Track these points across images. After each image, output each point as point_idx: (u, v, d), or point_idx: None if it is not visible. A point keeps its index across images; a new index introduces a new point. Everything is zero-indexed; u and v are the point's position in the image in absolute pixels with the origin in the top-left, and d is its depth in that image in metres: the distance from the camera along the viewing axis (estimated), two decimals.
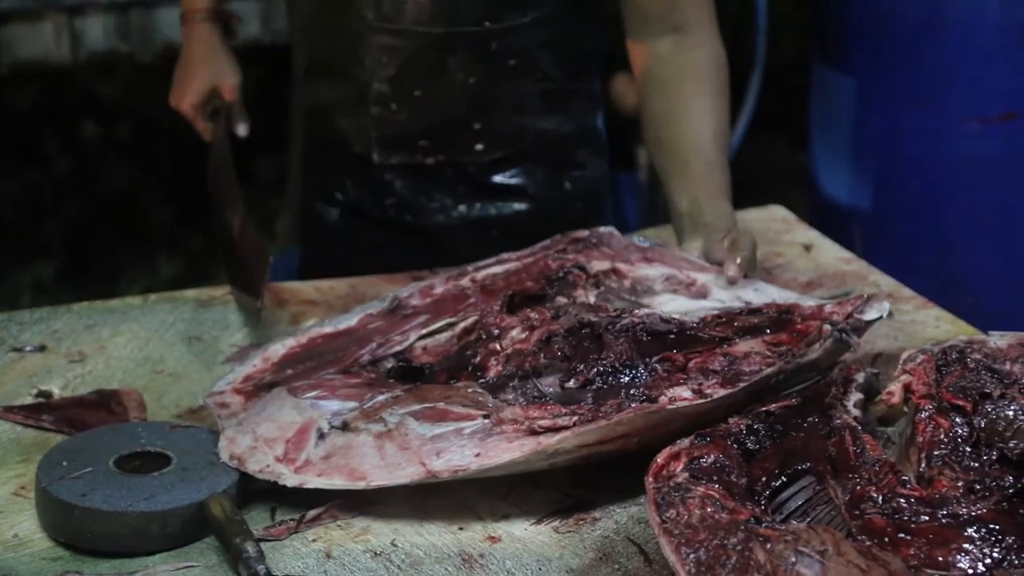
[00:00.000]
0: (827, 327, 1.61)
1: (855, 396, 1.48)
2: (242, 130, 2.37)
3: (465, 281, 1.87)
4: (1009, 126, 2.99)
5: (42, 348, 1.91)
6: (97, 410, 1.74)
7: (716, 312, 1.72)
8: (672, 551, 1.28)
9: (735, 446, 1.43)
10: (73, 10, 3.79)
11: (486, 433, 1.53)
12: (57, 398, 1.79)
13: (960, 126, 3.04)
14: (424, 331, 1.80)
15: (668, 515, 1.31)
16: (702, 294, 1.83)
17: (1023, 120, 2.99)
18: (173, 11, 3.63)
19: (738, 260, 1.82)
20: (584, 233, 1.93)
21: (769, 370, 1.56)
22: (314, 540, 1.50)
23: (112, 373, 1.86)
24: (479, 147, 2.24)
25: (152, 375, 1.86)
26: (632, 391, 1.57)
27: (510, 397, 1.63)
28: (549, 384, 1.64)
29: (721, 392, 1.52)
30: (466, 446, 1.52)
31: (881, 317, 1.69)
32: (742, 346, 1.63)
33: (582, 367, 1.64)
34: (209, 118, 2.37)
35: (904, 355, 1.46)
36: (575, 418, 1.51)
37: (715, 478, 1.37)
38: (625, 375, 1.62)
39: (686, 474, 1.37)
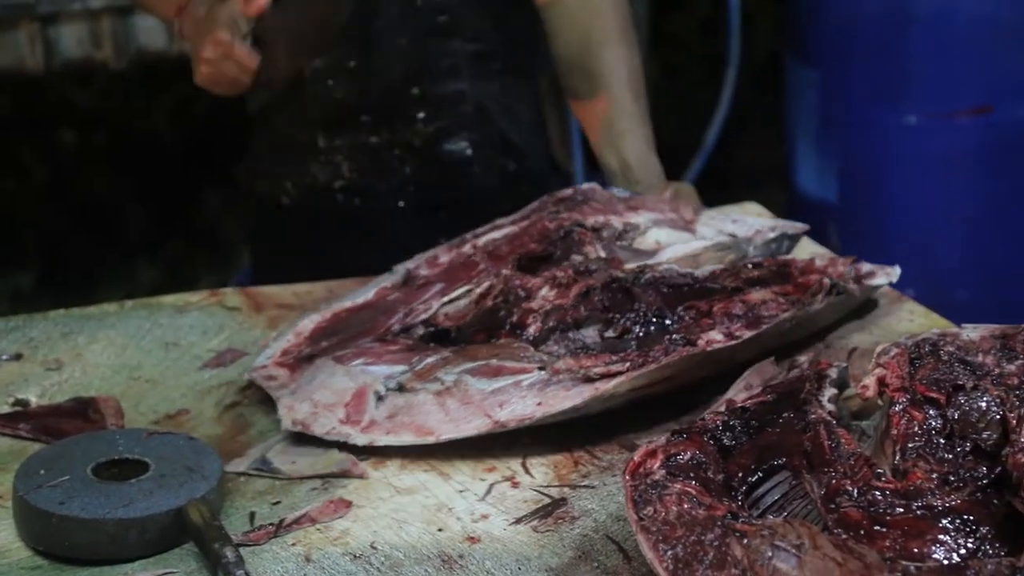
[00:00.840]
0: (826, 280, 1.77)
1: (829, 391, 1.49)
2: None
3: (467, 248, 1.92)
4: (979, 120, 3.01)
5: (18, 356, 1.91)
6: (75, 418, 1.73)
7: (723, 267, 1.86)
8: (650, 548, 1.28)
9: (711, 442, 1.43)
10: (46, 18, 3.78)
11: (544, 384, 1.63)
12: (34, 406, 1.79)
13: (931, 121, 3.05)
14: (445, 299, 1.84)
15: (646, 512, 1.32)
16: (689, 227, 1.96)
17: (993, 114, 3.01)
18: (147, 18, 3.63)
19: (691, 207, 1.92)
20: (569, 192, 1.99)
21: (785, 315, 1.72)
22: (293, 544, 1.50)
23: (89, 380, 1.86)
24: (420, 115, 2.23)
25: (129, 382, 1.86)
26: (670, 336, 1.68)
27: (554, 349, 1.73)
28: (589, 336, 1.75)
29: (748, 333, 1.68)
30: (527, 397, 1.62)
31: (890, 283, 1.88)
32: (755, 295, 1.77)
33: (619, 318, 1.77)
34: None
35: (878, 349, 1.46)
36: (626, 364, 1.62)
37: (692, 475, 1.37)
38: (658, 323, 1.76)
39: (663, 471, 1.37)
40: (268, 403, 1.80)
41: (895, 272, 1.91)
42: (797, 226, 2.05)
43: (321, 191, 2.30)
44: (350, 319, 1.85)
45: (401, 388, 1.67)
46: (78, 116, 4.45)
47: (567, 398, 1.61)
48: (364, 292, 1.88)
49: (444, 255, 1.93)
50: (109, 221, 4.55)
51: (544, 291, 1.81)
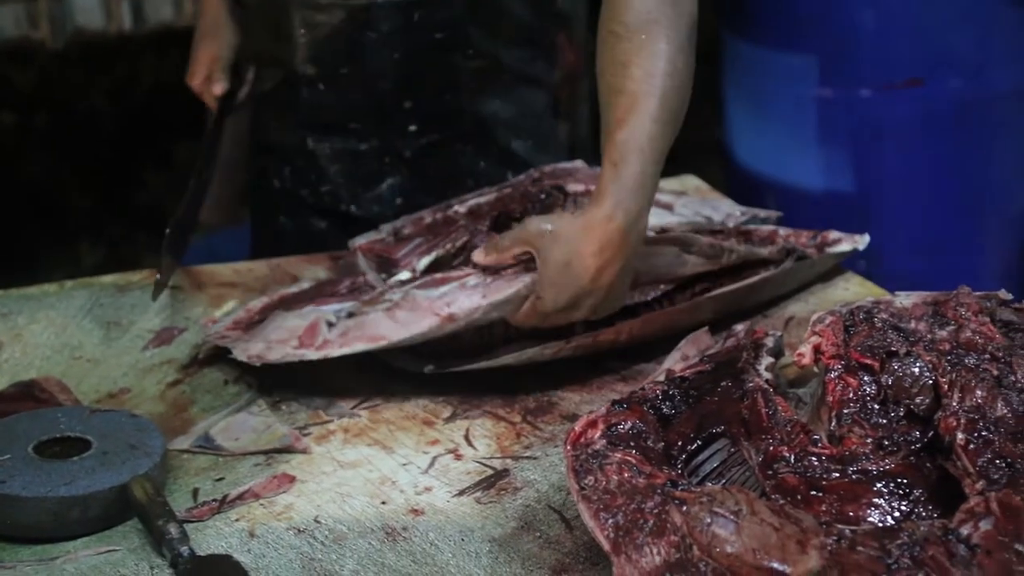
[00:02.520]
0: (783, 249, 1.89)
1: (766, 359, 1.51)
2: (216, 89, 2.29)
3: (451, 212, 1.96)
4: (913, 92, 3.04)
5: None
6: (24, 401, 1.71)
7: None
8: (591, 517, 1.30)
9: (651, 412, 1.45)
10: None
11: (487, 280, 1.70)
12: None
13: (866, 94, 3.08)
14: (425, 257, 1.88)
15: (586, 482, 1.33)
16: (668, 207, 2.02)
17: (927, 86, 3.04)
18: None
19: None
20: (554, 166, 2.06)
21: (753, 279, 1.84)
22: (237, 520, 1.50)
23: (29, 361, 1.85)
24: (412, 128, 2.21)
25: (70, 361, 1.85)
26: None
27: None
28: None
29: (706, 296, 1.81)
30: (472, 294, 1.69)
31: (856, 249, 1.95)
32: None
33: None
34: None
35: (813, 317, 1.48)
36: None
37: (632, 444, 1.39)
38: None
39: (603, 441, 1.39)
40: (211, 380, 1.81)
41: (863, 239, 1.97)
42: (770, 213, 2.11)
43: (309, 190, 2.27)
44: (305, 293, 1.89)
45: (351, 315, 1.71)
46: (16, 97, 4.40)
47: (510, 286, 1.67)
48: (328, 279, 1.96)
49: (429, 216, 1.97)
50: (49, 203, 4.51)
51: None
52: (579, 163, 2.08)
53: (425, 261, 1.87)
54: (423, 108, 2.20)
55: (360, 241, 1.95)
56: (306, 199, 2.28)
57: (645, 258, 1.72)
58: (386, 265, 1.88)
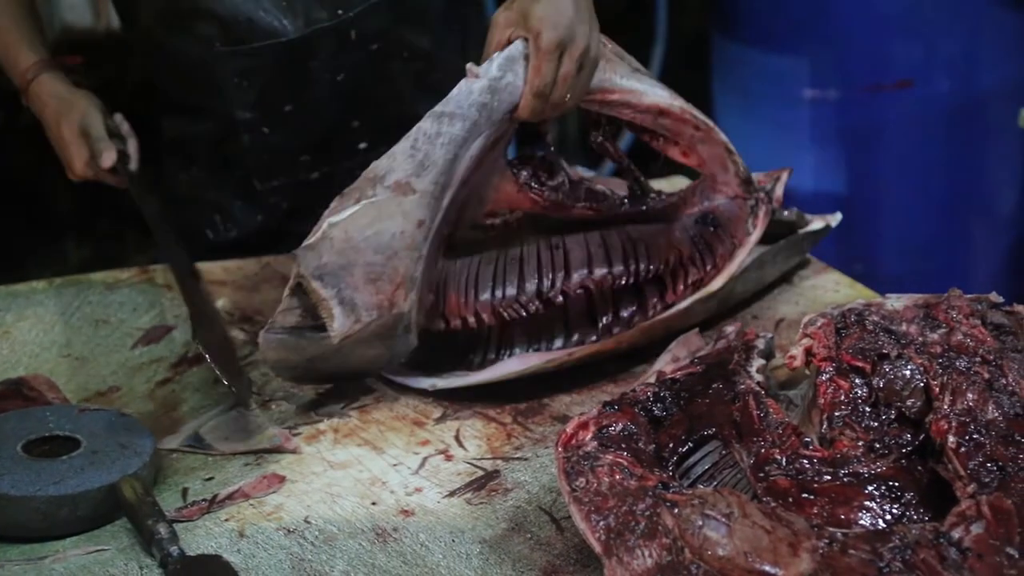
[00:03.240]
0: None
1: (757, 361, 1.50)
2: (106, 161, 2.03)
3: None
4: (903, 94, 3.05)
5: None
6: (12, 399, 1.71)
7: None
8: (582, 519, 1.30)
9: (642, 413, 1.45)
10: None
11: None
12: None
13: (855, 95, 3.08)
14: None
15: (578, 484, 1.33)
16: None
17: (917, 88, 3.05)
18: None
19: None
20: None
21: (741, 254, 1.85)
22: (227, 519, 1.50)
23: (18, 358, 1.84)
24: (362, 146, 2.16)
25: (59, 359, 1.85)
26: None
27: None
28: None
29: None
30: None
31: (828, 227, 1.96)
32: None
33: None
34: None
35: (805, 319, 1.48)
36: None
37: (623, 446, 1.39)
38: None
39: (595, 443, 1.39)
40: (200, 379, 1.80)
41: (835, 217, 1.99)
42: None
43: (257, 230, 2.21)
44: None
45: None
46: (3, 94, 4.39)
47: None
48: None
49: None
50: (37, 201, 4.49)
51: None
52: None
53: None
54: (369, 123, 2.15)
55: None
56: (257, 236, 2.21)
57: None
58: None
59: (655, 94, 1.82)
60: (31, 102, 2.10)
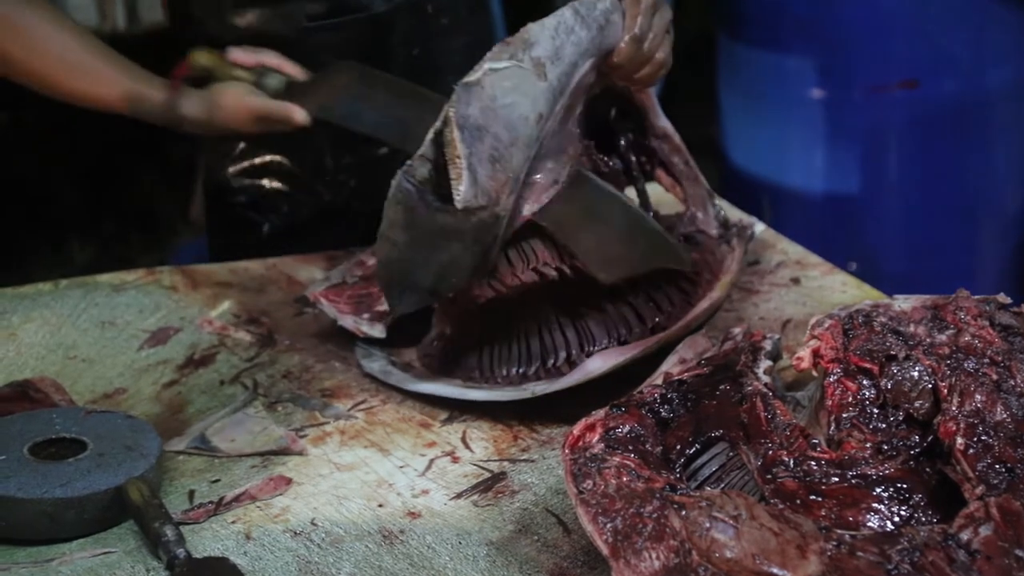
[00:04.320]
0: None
1: (764, 363, 1.50)
2: (301, 117, 1.96)
3: None
4: (908, 94, 3.04)
5: None
6: (19, 401, 1.70)
7: None
8: (589, 521, 1.29)
9: (649, 415, 1.44)
10: None
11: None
12: None
13: (860, 95, 3.08)
14: None
15: (585, 486, 1.33)
16: None
17: (922, 88, 3.04)
18: None
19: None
20: None
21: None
22: (233, 522, 1.50)
23: (24, 360, 1.84)
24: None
25: (65, 361, 1.85)
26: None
27: None
28: None
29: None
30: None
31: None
32: None
33: None
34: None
35: (812, 320, 1.48)
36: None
37: (630, 448, 1.38)
38: None
39: (602, 445, 1.38)
40: (206, 381, 1.80)
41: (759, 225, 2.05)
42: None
43: (325, 210, 2.24)
44: None
45: None
46: (8, 94, 4.40)
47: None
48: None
49: (371, 258, 1.94)
50: (41, 200, 4.50)
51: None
52: None
53: None
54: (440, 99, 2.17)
55: (317, 289, 1.90)
56: (323, 215, 2.23)
57: None
58: (367, 302, 1.86)
59: (664, 116, 1.88)
60: (188, 126, 2.00)
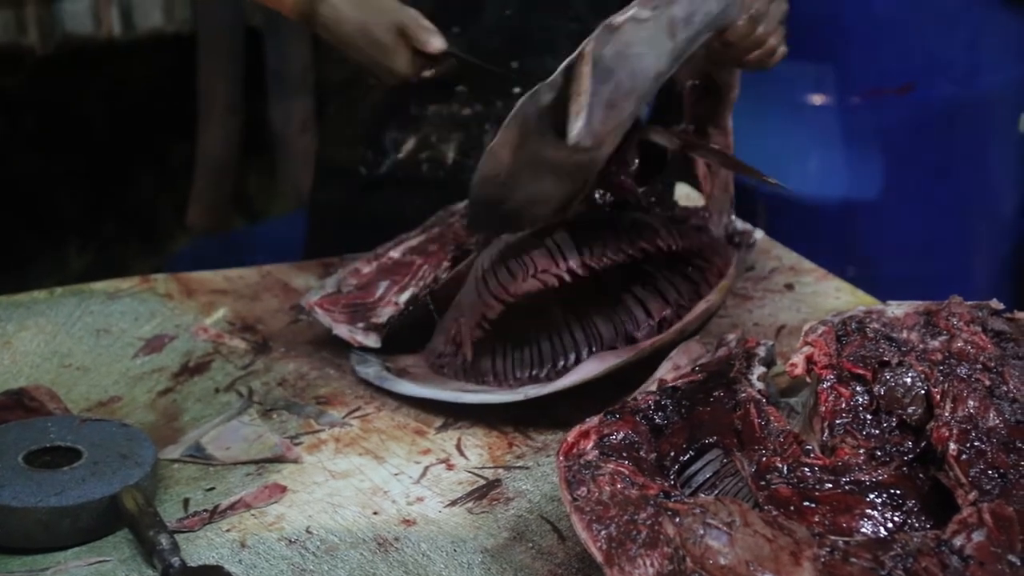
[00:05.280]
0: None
1: (758, 369, 1.50)
2: (437, 44, 1.92)
3: (389, 256, 1.96)
4: (904, 98, 3.04)
5: None
6: (13, 410, 1.70)
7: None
8: (584, 528, 1.30)
9: (643, 422, 1.45)
10: None
11: None
12: None
13: (857, 100, 3.08)
14: (403, 293, 1.88)
15: (579, 493, 1.33)
16: None
17: (918, 92, 3.04)
18: (73, 3, 3.60)
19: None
20: (459, 205, 2.03)
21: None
22: (228, 530, 1.50)
23: (19, 369, 1.84)
24: (516, 90, 2.18)
25: (60, 369, 1.85)
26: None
27: None
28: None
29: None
30: None
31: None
32: None
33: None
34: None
35: (805, 327, 1.48)
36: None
37: (624, 454, 1.39)
38: None
39: (596, 452, 1.39)
40: (201, 389, 1.80)
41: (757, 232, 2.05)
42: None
43: (406, 160, 2.25)
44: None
45: None
46: (6, 102, 4.40)
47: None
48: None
49: (366, 267, 1.95)
50: (39, 208, 4.50)
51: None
52: None
53: (405, 296, 1.88)
54: (527, 68, 2.20)
55: (312, 298, 1.90)
56: (401, 169, 2.24)
57: None
58: (362, 312, 1.87)
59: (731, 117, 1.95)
60: (320, 24, 1.95)
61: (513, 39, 2.19)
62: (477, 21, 2.17)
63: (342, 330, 1.85)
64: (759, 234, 2.08)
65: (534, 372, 1.76)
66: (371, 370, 1.80)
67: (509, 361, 1.78)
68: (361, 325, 1.85)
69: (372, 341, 1.83)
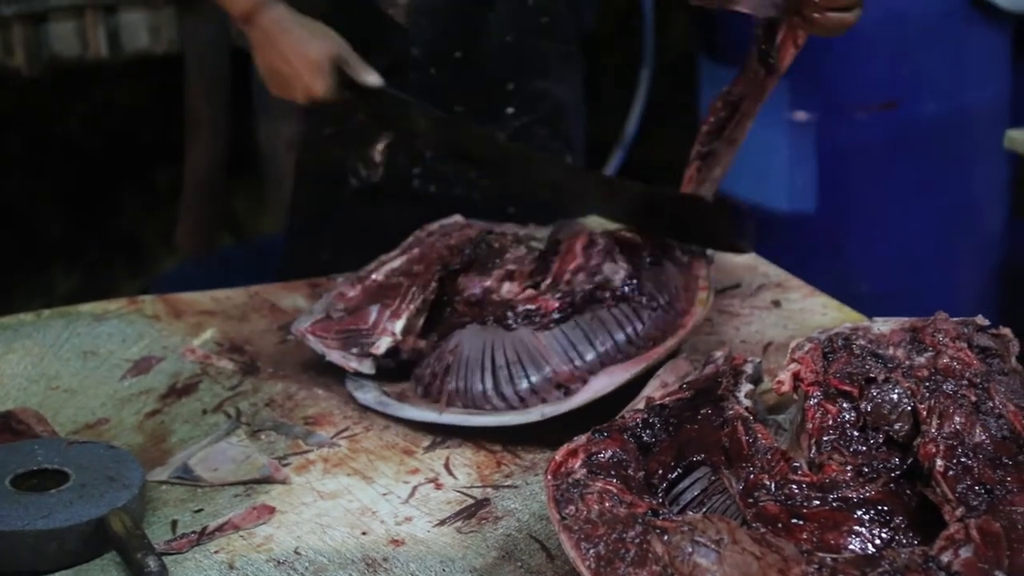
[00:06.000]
0: None
1: (745, 386, 1.50)
2: (374, 79, 2.04)
3: (374, 278, 1.93)
4: (888, 115, 3.06)
5: None
6: (1, 433, 1.69)
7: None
8: (572, 547, 1.30)
9: (631, 440, 1.45)
10: None
11: None
12: None
13: (840, 116, 3.09)
14: (398, 321, 1.86)
15: (567, 511, 1.33)
16: None
17: (901, 109, 3.06)
18: (59, 25, 3.60)
19: None
20: (435, 225, 2.02)
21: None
22: (216, 552, 1.50)
23: (6, 391, 1.84)
24: (510, 110, 2.26)
25: (47, 392, 1.84)
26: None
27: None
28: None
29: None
30: None
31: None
32: None
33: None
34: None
35: (792, 344, 1.48)
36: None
37: (613, 473, 1.39)
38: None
39: (584, 470, 1.39)
40: (189, 410, 1.80)
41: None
42: None
43: (399, 174, 2.27)
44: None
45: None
46: None
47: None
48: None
49: (351, 290, 1.92)
50: (25, 228, 4.50)
51: (506, 287, 1.86)
52: (457, 217, 2.05)
53: (400, 324, 1.85)
54: (521, 90, 2.27)
55: (303, 324, 1.88)
56: (393, 183, 2.27)
57: None
58: (355, 338, 1.85)
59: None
60: (257, 28, 2.06)
61: (511, 61, 2.24)
62: (477, 46, 2.21)
63: (335, 356, 1.83)
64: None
65: (525, 384, 1.76)
66: (370, 396, 1.79)
67: (501, 376, 1.78)
68: (355, 351, 1.83)
69: (366, 367, 1.82)
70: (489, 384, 1.76)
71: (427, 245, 1.96)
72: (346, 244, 2.24)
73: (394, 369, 1.85)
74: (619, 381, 1.69)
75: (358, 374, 1.83)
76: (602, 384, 1.70)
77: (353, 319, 1.87)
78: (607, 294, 1.80)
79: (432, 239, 1.97)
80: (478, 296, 1.85)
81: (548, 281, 1.83)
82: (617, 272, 1.82)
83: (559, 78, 2.31)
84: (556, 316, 1.78)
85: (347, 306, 1.89)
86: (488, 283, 1.87)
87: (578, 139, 2.40)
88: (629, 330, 1.79)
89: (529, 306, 1.80)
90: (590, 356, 1.76)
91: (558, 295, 1.80)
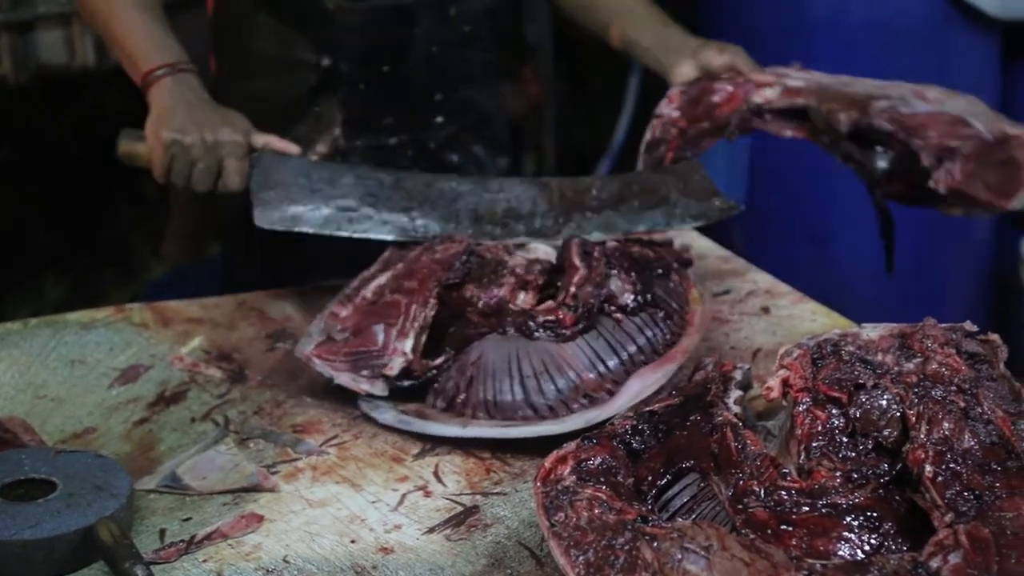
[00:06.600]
0: None
1: (735, 393, 1.50)
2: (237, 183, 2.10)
3: (364, 296, 1.90)
4: None
5: None
6: None
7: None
8: (562, 554, 1.30)
9: (621, 447, 1.45)
10: None
11: None
12: None
13: None
14: (406, 340, 1.82)
15: (557, 518, 1.33)
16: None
17: None
18: (47, 34, 3.59)
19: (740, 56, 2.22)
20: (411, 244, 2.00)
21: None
22: (205, 560, 1.49)
23: None
24: (439, 119, 2.30)
25: (35, 400, 1.84)
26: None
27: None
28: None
29: None
30: None
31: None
32: None
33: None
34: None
35: (781, 350, 1.49)
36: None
37: (602, 479, 1.39)
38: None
39: (573, 477, 1.39)
40: (177, 419, 1.79)
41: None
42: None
43: None
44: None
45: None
46: None
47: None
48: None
49: (342, 310, 1.89)
50: (14, 237, 4.49)
51: (521, 296, 1.86)
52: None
53: (409, 343, 1.81)
54: (449, 100, 2.30)
55: (307, 349, 1.84)
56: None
57: None
58: (365, 360, 1.82)
59: None
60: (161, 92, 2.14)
61: (437, 72, 2.28)
62: (404, 59, 2.25)
63: (345, 379, 1.80)
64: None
65: (556, 393, 1.76)
66: (389, 415, 1.77)
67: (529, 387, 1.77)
68: (365, 373, 1.80)
69: (379, 389, 1.79)
70: (519, 394, 1.75)
71: (411, 260, 1.93)
72: (275, 260, 2.27)
73: (404, 389, 1.81)
74: (651, 383, 1.72)
75: (370, 395, 1.81)
76: (636, 388, 1.72)
77: (359, 341, 1.83)
78: (616, 310, 1.81)
79: (415, 254, 1.94)
80: (494, 306, 1.84)
81: (562, 297, 1.82)
82: (624, 292, 1.82)
83: (483, 85, 2.34)
84: (577, 327, 1.78)
85: (345, 327, 1.86)
86: (502, 292, 1.86)
87: (506, 142, 2.41)
88: (649, 335, 1.80)
89: (549, 318, 1.79)
90: (613, 363, 1.77)
91: (571, 310, 1.79)
